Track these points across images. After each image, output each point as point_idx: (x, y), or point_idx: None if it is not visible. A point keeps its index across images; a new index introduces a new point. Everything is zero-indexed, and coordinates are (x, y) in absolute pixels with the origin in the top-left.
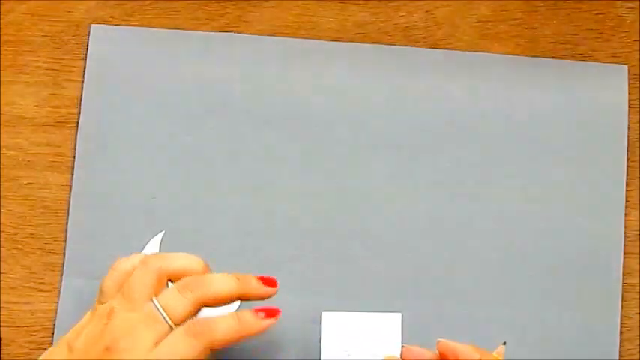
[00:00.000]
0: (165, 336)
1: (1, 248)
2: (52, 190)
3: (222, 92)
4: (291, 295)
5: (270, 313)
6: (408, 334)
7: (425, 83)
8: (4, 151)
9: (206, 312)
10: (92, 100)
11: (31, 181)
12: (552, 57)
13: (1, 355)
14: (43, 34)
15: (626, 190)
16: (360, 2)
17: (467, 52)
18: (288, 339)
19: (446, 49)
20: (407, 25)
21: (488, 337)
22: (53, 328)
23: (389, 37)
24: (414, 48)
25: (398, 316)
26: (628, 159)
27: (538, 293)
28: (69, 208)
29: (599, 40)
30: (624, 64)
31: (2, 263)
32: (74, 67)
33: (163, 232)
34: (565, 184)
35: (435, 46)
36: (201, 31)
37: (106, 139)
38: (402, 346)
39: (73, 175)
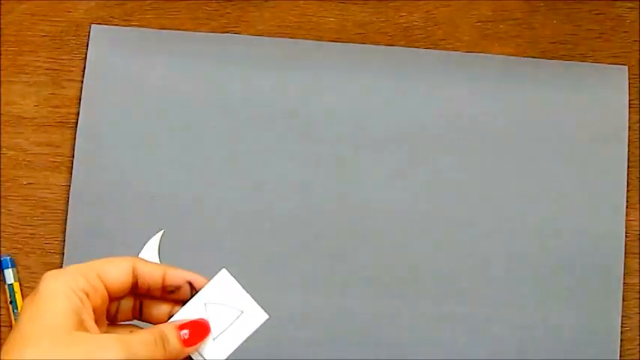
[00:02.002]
0: None
1: (1, 248)
2: (52, 190)
3: (222, 92)
4: (291, 293)
5: (198, 332)
6: (408, 334)
7: (425, 83)
8: (4, 151)
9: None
10: (92, 100)
11: (31, 181)
12: (552, 57)
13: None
14: (43, 34)
15: (627, 190)
16: (360, 2)
17: (467, 53)
18: (288, 337)
19: (446, 49)
20: (407, 25)
21: (488, 337)
22: None
23: (389, 37)
24: (414, 48)
25: (264, 316)
26: (628, 159)
27: (538, 293)
28: (68, 207)
29: (599, 40)
30: (624, 64)
31: None
32: (74, 67)
33: (162, 231)
34: (565, 184)
35: (435, 46)
36: (201, 31)
37: (106, 139)
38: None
39: (72, 174)
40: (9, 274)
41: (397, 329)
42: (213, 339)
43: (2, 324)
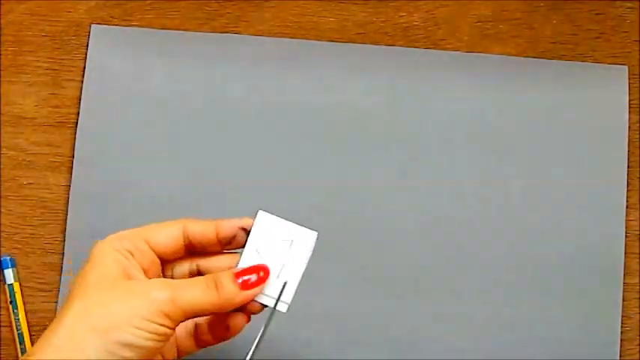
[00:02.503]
0: None
1: (1, 248)
2: (52, 190)
3: (222, 92)
4: None
5: (256, 276)
6: (408, 334)
7: (425, 83)
8: (4, 151)
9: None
10: (92, 100)
11: (31, 181)
12: (552, 57)
13: (1, 355)
14: (43, 34)
15: (627, 190)
16: (360, 2)
17: (467, 53)
18: (288, 337)
19: (446, 49)
20: (407, 25)
21: (488, 337)
22: None
23: (389, 37)
24: (414, 48)
25: (314, 234)
26: (628, 159)
27: (538, 293)
28: (68, 207)
29: (599, 40)
30: (624, 64)
31: None
32: (74, 67)
33: None
34: (565, 184)
35: (435, 46)
36: (201, 31)
37: (106, 139)
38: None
39: (72, 174)
40: (9, 274)
41: (397, 329)
42: (277, 277)
43: (2, 324)
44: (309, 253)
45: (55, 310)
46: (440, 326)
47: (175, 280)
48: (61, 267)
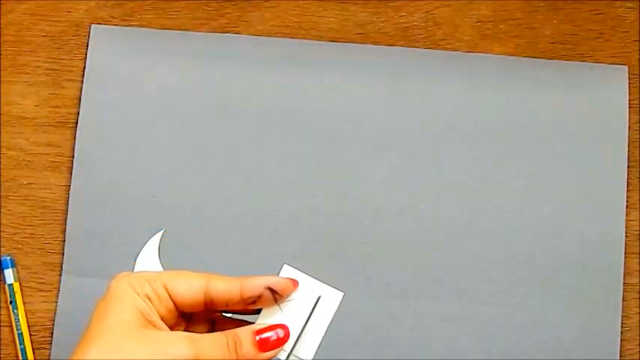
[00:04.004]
0: None
1: (1, 248)
2: (52, 190)
3: (222, 92)
4: None
5: (275, 337)
6: (408, 334)
7: (425, 83)
8: (4, 151)
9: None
10: (92, 100)
11: (31, 181)
12: (552, 57)
13: (1, 356)
14: (43, 34)
15: (627, 190)
16: (360, 2)
17: (467, 53)
18: None
19: (446, 49)
20: (407, 25)
21: (488, 337)
22: (53, 328)
23: (389, 37)
24: (414, 48)
25: (340, 294)
26: (628, 159)
27: (538, 293)
28: (68, 207)
29: (599, 40)
30: (624, 64)
31: None
32: (74, 67)
33: (162, 231)
34: (565, 184)
35: (435, 46)
36: (201, 31)
37: (106, 139)
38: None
39: (72, 174)
40: (9, 274)
41: (397, 329)
42: (297, 337)
43: (2, 324)
44: (333, 313)
45: (55, 310)
46: (440, 326)
47: (196, 336)
48: (61, 267)
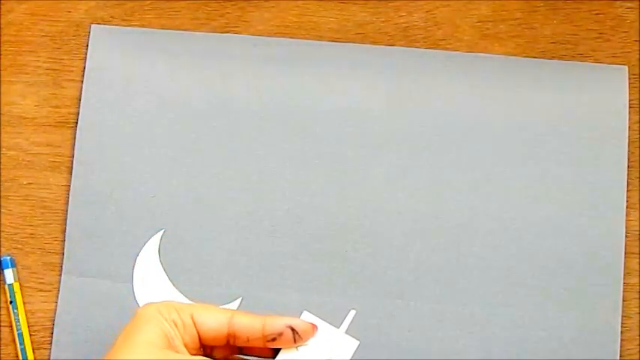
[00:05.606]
0: None
1: (1, 248)
2: (52, 190)
3: (222, 92)
4: (291, 293)
5: None
6: (408, 334)
7: (425, 83)
8: (4, 151)
9: None
10: (92, 100)
11: (31, 181)
12: (552, 57)
13: (1, 356)
14: (43, 34)
15: (627, 190)
16: (360, 2)
17: (467, 53)
18: None
19: (446, 49)
20: (407, 25)
21: (488, 337)
22: (53, 328)
23: (389, 37)
24: (414, 48)
25: (355, 342)
26: (628, 159)
27: (538, 293)
28: (68, 207)
29: (599, 40)
30: (624, 64)
31: None
32: (74, 67)
33: (162, 231)
34: (565, 184)
35: (435, 46)
36: (201, 31)
37: (106, 138)
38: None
39: (72, 174)
40: (9, 274)
41: (397, 329)
42: None
43: (2, 324)
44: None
45: (55, 310)
46: (440, 326)
47: None
48: (61, 267)
